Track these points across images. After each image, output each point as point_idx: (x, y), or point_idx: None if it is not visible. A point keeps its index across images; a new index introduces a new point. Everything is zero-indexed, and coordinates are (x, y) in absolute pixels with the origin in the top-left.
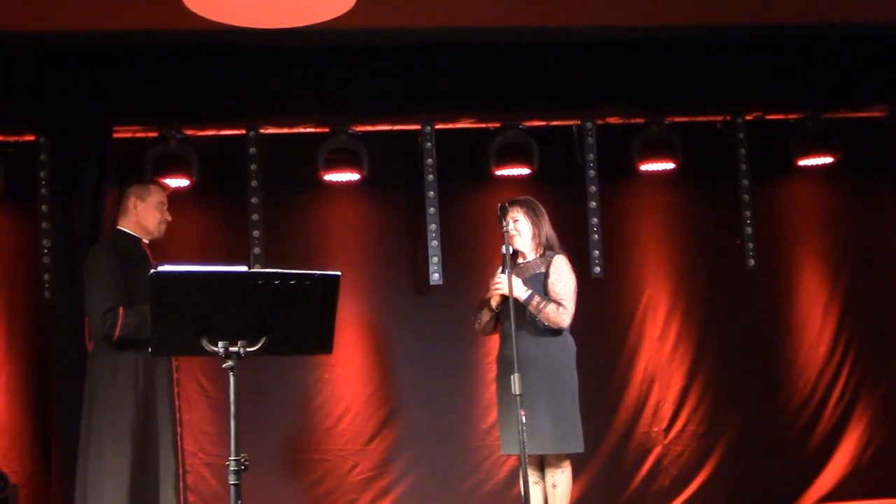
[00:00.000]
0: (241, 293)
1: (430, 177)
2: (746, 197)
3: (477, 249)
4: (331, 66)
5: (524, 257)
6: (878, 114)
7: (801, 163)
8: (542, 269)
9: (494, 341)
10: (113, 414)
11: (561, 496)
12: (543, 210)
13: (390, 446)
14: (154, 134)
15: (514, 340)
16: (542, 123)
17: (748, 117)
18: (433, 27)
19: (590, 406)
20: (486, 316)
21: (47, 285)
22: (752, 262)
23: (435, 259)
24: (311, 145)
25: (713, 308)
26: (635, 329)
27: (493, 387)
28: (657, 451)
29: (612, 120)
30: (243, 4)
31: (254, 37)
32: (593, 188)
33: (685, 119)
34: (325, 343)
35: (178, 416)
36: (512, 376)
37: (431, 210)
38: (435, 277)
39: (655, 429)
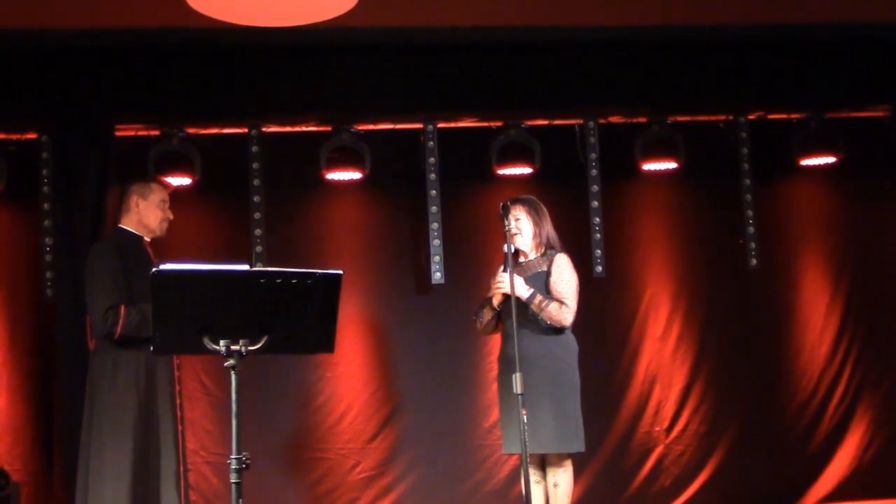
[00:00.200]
0: (243, 292)
1: (432, 176)
2: (748, 196)
3: (479, 248)
4: (333, 65)
5: (525, 256)
6: (880, 113)
7: (804, 162)
8: (544, 268)
9: (496, 340)
10: (114, 412)
11: (562, 495)
12: (545, 209)
13: (392, 445)
14: (156, 132)
15: (515, 339)
16: (545, 122)
17: (750, 117)
18: (435, 26)
19: (591, 405)
20: (487, 315)
21: (49, 283)
22: (754, 261)
23: (437, 258)
24: (313, 144)
25: (715, 308)
26: (637, 328)
27: (495, 386)
28: (659, 450)
29: (614, 119)
30: (246, 3)
31: (256, 35)
32: (595, 187)
33: (687, 118)
34: (326, 342)
35: (179, 414)
36: (513, 375)
37: (433, 209)
38: (437, 276)
39: (657, 428)
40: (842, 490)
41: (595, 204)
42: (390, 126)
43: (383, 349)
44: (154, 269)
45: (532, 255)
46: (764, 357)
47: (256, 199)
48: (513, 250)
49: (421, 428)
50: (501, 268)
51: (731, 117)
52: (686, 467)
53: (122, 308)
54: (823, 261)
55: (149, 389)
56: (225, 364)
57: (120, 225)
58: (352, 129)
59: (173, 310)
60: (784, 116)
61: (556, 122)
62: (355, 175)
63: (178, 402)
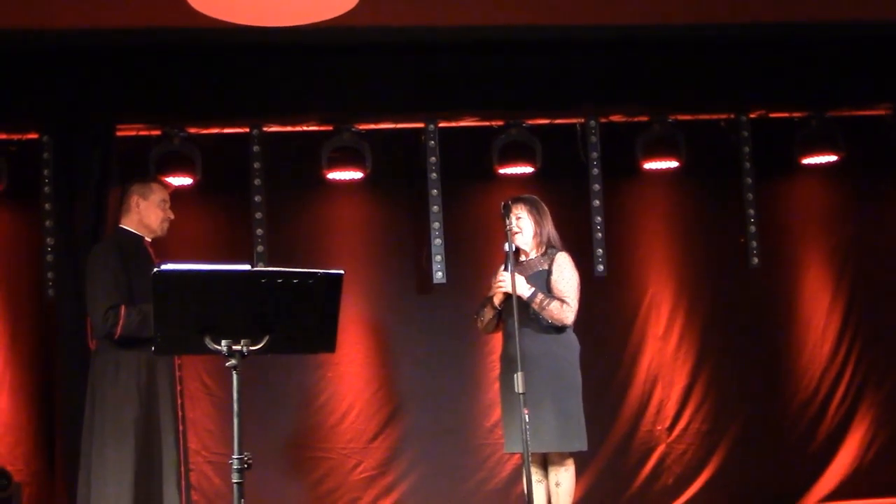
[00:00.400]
0: (245, 292)
1: (434, 175)
2: (750, 195)
3: (480, 248)
4: (334, 65)
5: (526, 255)
6: (882, 112)
7: (805, 161)
8: (545, 267)
9: (498, 339)
10: (116, 412)
11: (564, 494)
12: (546, 208)
13: (393, 445)
14: (157, 132)
15: (517, 338)
16: (546, 121)
17: (752, 115)
18: (436, 25)
19: (593, 404)
20: (488, 314)
21: (50, 283)
22: (755, 260)
23: (438, 257)
24: (314, 143)
25: (716, 306)
26: (638, 327)
27: (497, 385)
28: (660, 449)
29: (615, 118)
30: (247, 3)
31: (257, 35)
32: (596, 186)
33: (689, 117)
34: (327, 341)
35: (181, 413)
36: (515, 375)
37: (435, 208)
38: (438, 276)
39: (659, 427)
40: (843, 489)
41: (596, 203)
42: (391, 125)
43: (385, 349)
44: (155, 269)
45: (533, 254)
46: (765, 356)
47: (257, 198)
48: (514, 249)
49: (422, 427)
50: (503, 267)
51: (732, 116)
52: (688, 466)
53: (123, 308)
54: (825, 259)
55: (150, 389)
56: (226, 364)
57: (121, 225)
58: (353, 129)
59: (175, 310)
60: (785, 115)
61: (558, 121)
62: (356, 174)
63: (179, 402)
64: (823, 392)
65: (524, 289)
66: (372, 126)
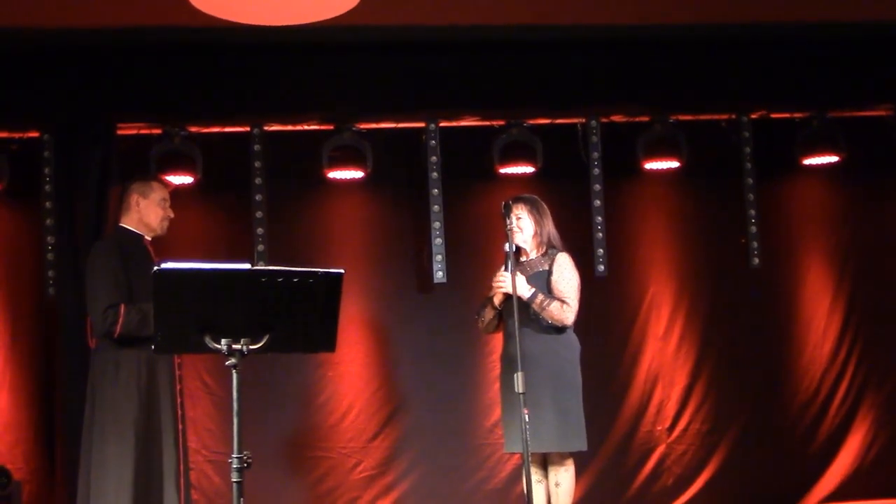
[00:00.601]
0: (245, 291)
1: (434, 174)
2: (751, 196)
3: (481, 247)
4: (335, 64)
5: (527, 255)
6: (883, 112)
7: (806, 161)
8: (546, 267)
9: (498, 339)
10: (116, 411)
11: (564, 494)
12: (546, 208)
13: (393, 444)
14: (158, 131)
15: (517, 338)
16: (547, 121)
17: (753, 116)
18: (437, 25)
19: (593, 404)
20: (489, 314)
21: (51, 282)
22: (756, 260)
23: (439, 257)
24: (315, 143)
25: (717, 307)
26: (639, 327)
27: (497, 385)
28: (660, 449)
29: (616, 118)
30: (248, 2)
31: (258, 34)
32: (597, 186)
33: (690, 117)
34: (328, 341)
35: (180, 412)
36: (515, 374)
37: (435, 208)
38: (439, 275)
39: (659, 427)
40: (844, 490)
41: (597, 203)
42: (392, 125)
43: (385, 348)
44: (156, 268)
45: (533, 254)
46: (766, 357)
47: (258, 197)
48: (514, 249)
49: (422, 427)
50: (503, 267)
51: (733, 116)
52: (688, 467)
53: (122, 307)
54: (826, 260)
55: (150, 388)
56: (226, 363)
57: (121, 224)
58: (353, 128)
59: (175, 308)
60: (787, 115)
61: (559, 120)
62: (357, 174)
63: (179, 400)
64: (824, 393)
65: (524, 290)
66: (373, 125)
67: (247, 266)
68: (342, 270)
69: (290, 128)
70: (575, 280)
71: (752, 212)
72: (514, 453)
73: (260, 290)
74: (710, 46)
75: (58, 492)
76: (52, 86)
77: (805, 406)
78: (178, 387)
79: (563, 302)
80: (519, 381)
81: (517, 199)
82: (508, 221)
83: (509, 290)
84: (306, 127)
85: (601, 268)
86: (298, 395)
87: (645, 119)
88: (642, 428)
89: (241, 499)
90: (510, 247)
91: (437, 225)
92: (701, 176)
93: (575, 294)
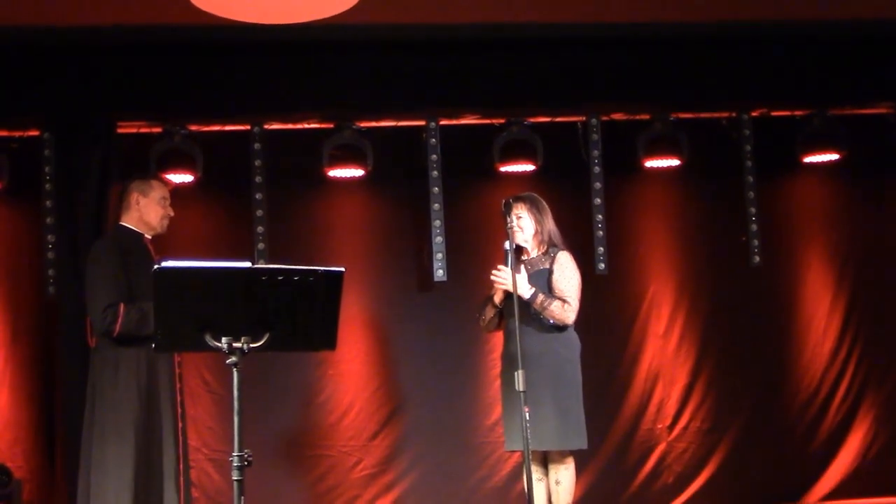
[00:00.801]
0: (245, 289)
1: (435, 173)
2: (752, 194)
3: (481, 246)
4: (335, 62)
5: (528, 254)
6: (884, 110)
7: (807, 160)
8: (546, 266)
9: (498, 338)
10: (116, 409)
11: (564, 493)
12: (547, 206)
13: (394, 443)
14: (158, 129)
15: (518, 337)
16: (547, 119)
17: (754, 114)
18: (438, 23)
19: (593, 403)
20: (490, 312)
21: (51, 281)
22: (756, 259)
23: (439, 255)
24: (315, 141)
25: (717, 305)
26: (639, 326)
27: (498, 383)
28: (661, 448)
29: (616, 116)
30: (248, 0)
31: (258, 32)
32: (598, 185)
33: (690, 116)
34: (328, 339)
35: (180, 411)
36: (516, 373)
37: (436, 206)
38: (439, 274)
39: (659, 426)
40: (844, 488)
41: (597, 201)
42: (392, 123)
43: (385, 347)
44: (156, 267)
45: (534, 253)
46: (767, 355)
47: (258, 196)
48: (514, 248)
49: (423, 425)
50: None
51: (734, 114)
52: (688, 465)
53: (122, 307)
54: (826, 258)
55: (150, 386)
56: (227, 361)
57: (121, 222)
58: (354, 127)
59: (175, 307)
60: (787, 113)
61: (559, 119)
62: (357, 172)
63: (179, 399)
64: (825, 391)
65: (524, 289)
66: (373, 124)
67: (247, 264)
68: (342, 269)
69: (290, 126)
70: (576, 279)
71: (753, 210)
72: (514, 451)
73: (260, 288)
74: (711, 44)
75: (58, 490)
76: (52, 84)
77: (806, 404)
78: (178, 385)
79: (563, 301)
80: (519, 379)
81: (517, 199)
82: (509, 220)
83: (508, 286)
84: (307, 125)
85: (601, 266)
86: (299, 394)
87: (645, 117)
88: (643, 426)
89: (242, 497)
90: (510, 245)
91: (437, 223)
92: (701, 174)
93: (576, 293)
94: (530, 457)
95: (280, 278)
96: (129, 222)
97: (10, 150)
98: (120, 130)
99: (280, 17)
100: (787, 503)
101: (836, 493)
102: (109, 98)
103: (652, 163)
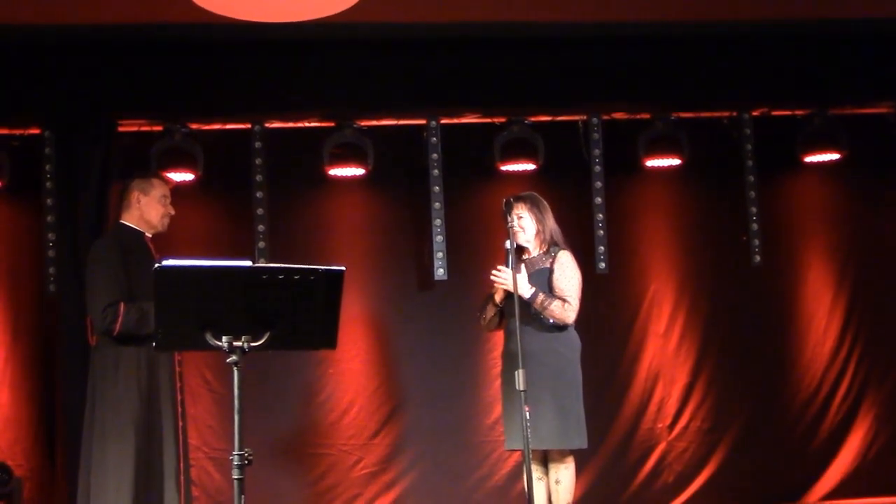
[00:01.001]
0: (246, 288)
1: (436, 172)
2: (752, 193)
3: (482, 245)
4: (336, 61)
5: (528, 253)
6: (884, 110)
7: (808, 159)
8: (547, 265)
9: (499, 337)
10: (116, 408)
11: (564, 492)
12: (548, 206)
13: (394, 442)
14: (159, 128)
15: (518, 336)
16: (548, 119)
17: (754, 113)
18: (438, 22)
19: (594, 402)
20: (490, 312)
21: (52, 279)
22: (757, 258)
23: (440, 254)
24: (316, 140)
25: (718, 304)
26: (640, 325)
27: (498, 382)
28: (661, 447)
29: (617, 115)
30: None
31: (259, 31)
32: (598, 184)
33: (691, 115)
34: (329, 338)
35: (180, 409)
36: (516, 372)
37: (436, 205)
38: (440, 273)
39: (659, 425)
40: (845, 487)
41: (598, 200)
42: (393, 122)
43: (386, 346)
44: (157, 265)
45: (535, 252)
46: (767, 354)
47: (259, 195)
48: (515, 247)
49: (423, 424)
50: (505, 265)
51: (734, 113)
52: (689, 464)
53: (122, 306)
54: (827, 257)
55: (150, 385)
56: (227, 360)
57: (121, 221)
58: (355, 125)
59: (176, 306)
60: (788, 113)
61: (560, 118)
62: (358, 171)
63: (179, 397)
64: (825, 390)
65: (525, 289)
66: (374, 123)
67: (248, 263)
68: (343, 268)
69: (291, 125)
70: (576, 278)
71: (754, 209)
72: (514, 451)
73: (261, 287)
74: (712, 43)
75: (58, 489)
76: (53, 83)
77: (806, 404)
78: (178, 384)
79: (564, 300)
80: (520, 378)
81: (517, 198)
82: (509, 219)
83: (509, 286)
84: (307, 124)
85: (602, 265)
86: (299, 393)
87: (646, 116)
88: (643, 425)
89: (242, 496)
90: (511, 244)
91: (437, 222)
92: (702, 173)
93: (576, 292)
94: (530, 456)
95: (280, 277)
96: (129, 221)
97: (10, 148)
98: (121, 129)
99: (281, 15)
100: (788, 503)
101: (836, 493)
102: (110, 96)
103: (653, 162)
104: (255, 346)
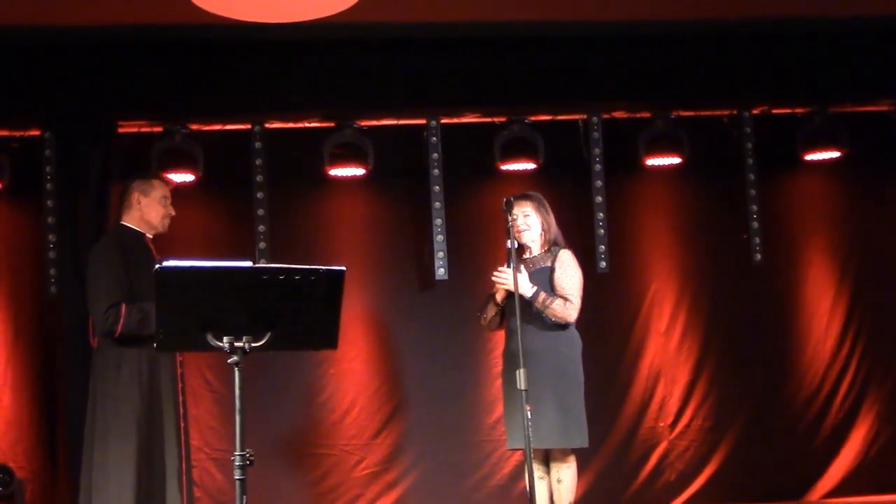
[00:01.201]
0: (247, 288)
1: (436, 171)
2: (753, 191)
3: (482, 244)
4: (336, 61)
5: (530, 252)
6: (885, 108)
7: (808, 157)
8: (548, 264)
9: (500, 336)
10: (118, 409)
11: (566, 491)
12: (548, 205)
13: (396, 441)
14: (159, 129)
15: (519, 335)
16: (548, 118)
17: (755, 111)
18: (438, 21)
19: (595, 401)
20: (491, 311)
21: (53, 280)
22: (758, 256)
23: (440, 254)
24: (316, 140)
25: (719, 303)
26: (641, 324)
27: (499, 382)
28: (663, 445)
29: (617, 114)
30: None
31: (259, 31)
32: (599, 183)
33: (691, 113)
34: (330, 338)
35: (182, 410)
36: (517, 371)
37: (437, 205)
38: (440, 272)
39: (661, 424)
40: (847, 485)
41: (599, 199)
42: (393, 122)
43: (387, 345)
44: (158, 266)
45: (537, 252)
46: (768, 352)
47: (259, 195)
48: (516, 246)
49: (425, 424)
50: (506, 264)
51: (735, 112)
52: (690, 463)
53: (123, 307)
54: (828, 255)
55: (152, 386)
56: (228, 361)
57: (122, 222)
58: (355, 125)
59: (177, 306)
60: (788, 111)
61: (560, 117)
62: (358, 171)
63: (181, 398)
64: (827, 388)
65: (526, 288)
66: (374, 122)
67: (248, 264)
68: (344, 268)
69: (291, 125)
70: (577, 277)
71: (754, 207)
72: (516, 450)
73: (262, 287)
74: (712, 42)
75: (60, 490)
76: (53, 84)
77: (808, 402)
78: (180, 385)
79: (565, 299)
80: (521, 377)
81: (523, 197)
82: (511, 218)
83: (510, 286)
84: (307, 124)
85: (603, 264)
86: (300, 393)
87: (646, 115)
88: (645, 424)
89: (244, 496)
90: (512, 243)
91: (438, 222)
92: (702, 172)
93: (577, 291)
94: (532, 455)
95: (281, 277)
96: (130, 222)
97: (10, 149)
98: (121, 130)
99: (281, 15)
100: (790, 501)
101: (838, 491)
102: (110, 97)
103: (653, 161)
104: (256, 347)
